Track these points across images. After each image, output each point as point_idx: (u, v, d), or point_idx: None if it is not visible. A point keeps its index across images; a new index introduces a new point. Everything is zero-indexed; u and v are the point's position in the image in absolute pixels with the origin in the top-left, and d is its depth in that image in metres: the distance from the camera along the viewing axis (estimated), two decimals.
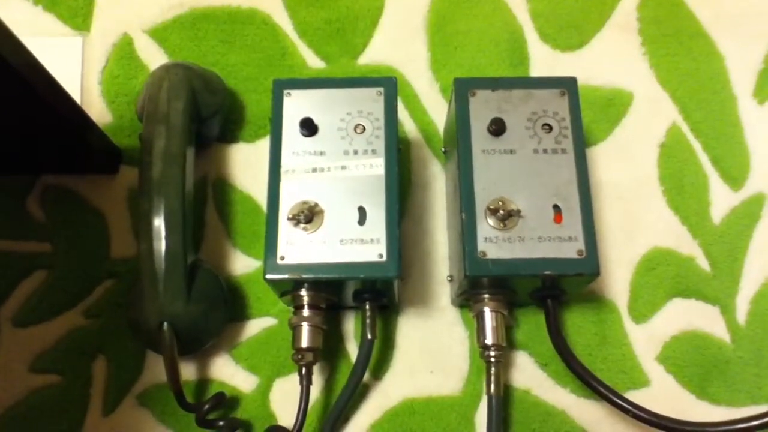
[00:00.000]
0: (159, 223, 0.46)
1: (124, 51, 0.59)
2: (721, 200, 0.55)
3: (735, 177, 0.55)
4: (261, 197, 0.55)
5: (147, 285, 0.45)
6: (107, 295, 0.52)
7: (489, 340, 0.46)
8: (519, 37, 0.59)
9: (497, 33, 0.59)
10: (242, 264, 0.53)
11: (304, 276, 0.43)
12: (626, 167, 0.56)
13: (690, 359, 0.51)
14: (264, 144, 0.56)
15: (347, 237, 0.43)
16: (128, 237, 0.54)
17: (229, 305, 0.51)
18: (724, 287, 0.52)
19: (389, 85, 0.47)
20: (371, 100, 0.47)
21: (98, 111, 0.57)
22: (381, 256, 0.43)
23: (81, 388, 0.50)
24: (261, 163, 0.54)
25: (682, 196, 0.55)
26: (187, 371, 0.51)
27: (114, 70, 0.58)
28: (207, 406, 0.47)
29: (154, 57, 0.59)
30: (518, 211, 0.43)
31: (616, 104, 0.57)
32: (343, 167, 0.45)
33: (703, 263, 0.53)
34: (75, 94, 0.56)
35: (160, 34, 0.59)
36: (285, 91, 0.47)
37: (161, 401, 0.50)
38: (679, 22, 0.60)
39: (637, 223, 0.54)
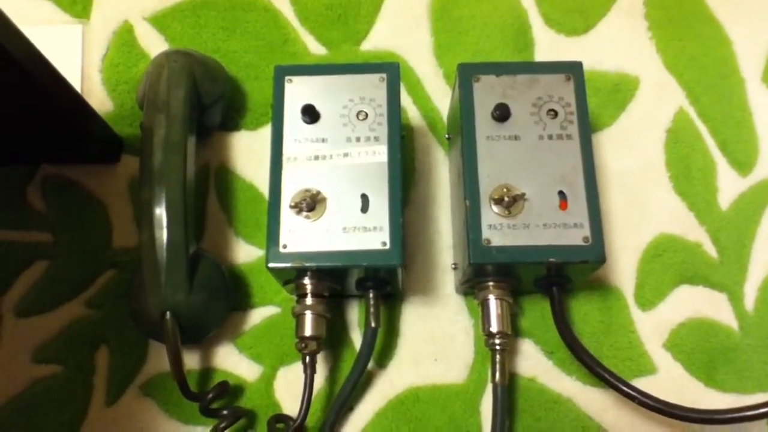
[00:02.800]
0: (160, 212, 0.45)
1: (124, 38, 0.58)
2: (729, 186, 0.54)
3: (743, 162, 0.55)
4: (263, 185, 0.54)
5: (149, 275, 0.45)
6: (109, 285, 0.52)
7: (494, 328, 0.45)
8: (524, 22, 0.58)
9: (501, 18, 0.58)
10: (245, 253, 0.53)
11: (307, 264, 0.43)
12: (633, 153, 0.55)
13: (697, 346, 0.50)
14: (266, 131, 0.56)
15: (350, 225, 0.43)
16: (130, 226, 0.53)
17: (231, 294, 0.50)
18: (732, 274, 0.52)
19: (392, 70, 0.46)
20: (374, 86, 0.46)
21: (99, 99, 0.56)
22: (384, 243, 0.42)
23: (84, 379, 0.50)
24: (263, 151, 0.54)
25: (689, 181, 0.54)
26: (191, 360, 0.50)
27: (114, 58, 0.58)
28: (211, 395, 0.47)
29: (154, 44, 0.58)
30: (523, 195, 0.42)
31: (623, 89, 0.57)
32: (346, 154, 0.44)
33: (711, 250, 0.53)
34: (75, 83, 0.56)
35: (160, 21, 0.59)
36: (286, 78, 0.47)
37: (165, 391, 0.50)
38: (686, 6, 0.59)
39: (643, 209, 0.54)
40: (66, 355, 0.50)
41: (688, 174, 0.54)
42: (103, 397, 0.50)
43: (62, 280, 0.52)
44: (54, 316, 0.51)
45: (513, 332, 0.49)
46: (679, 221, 0.53)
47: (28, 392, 0.50)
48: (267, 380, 0.50)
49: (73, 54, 0.57)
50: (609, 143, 0.55)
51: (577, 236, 0.42)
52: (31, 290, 0.52)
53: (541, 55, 0.58)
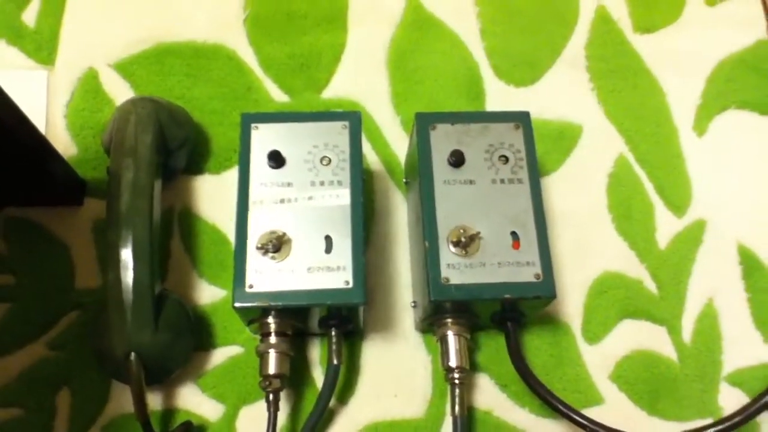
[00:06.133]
0: (127, 253, 0.46)
1: (89, 85, 0.59)
2: (666, 226, 0.58)
3: (678, 204, 0.59)
4: (227, 227, 0.56)
5: (114, 315, 0.46)
6: (72, 326, 0.52)
7: (453, 363, 0.47)
8: (475, 73, 0.62)
9: (455, 69, 0.62)
10: (208, 293, 0.54)
11: (273, 303, 0.44)
12: (577, 196, 0.58)
13: (640, 377, 0.53)
14: (229, 175, 0.57)
15: (314, 265, 0.45)
16: (93, 268, 0.54)
17: (196, 334, 0.51)
18: (671, 308, 0.55)
19: (354, 119, 0.49)
20: (336, 133, 0.48)
21: (63, 144, 0.57)
22: (347, 283, 0.44)
23: (45, 421, 0.50)
24: (226, 194, 0.55)
25: (629, 222, 0.58)
26: (154, 401, 0.51)
27: (79, 103, 0.59)
28: None
29: (119, 91, 0.59)
30: (478, 233, 0.45)
31: (567, 136, 0.60)
32: (310, 198, 0.46)
33: (651, 286, 0.56)
34: (40, 128, 0.56)
35: (125, 68, 0.60)
36: (253, 125, 0.48)
37: None
38: (624, 60, 0.63)
39: (588, 248, 0.57)
40: (27, 398, 0.50)
41: (628, 215, 0.58)
42: None
43: (24, 322, 0.52)
44: (15, 358, 0.51)
45: (470, 367, 0.51)
46: (622, 259, 0.57)
47: None
48: (229, 419, 0.51)
49: (38, 99, 0.58)
50: (556, 187, 0.58)
51: (529, 273, 0.45)
52: None
53: (491, 104, 0.61)
